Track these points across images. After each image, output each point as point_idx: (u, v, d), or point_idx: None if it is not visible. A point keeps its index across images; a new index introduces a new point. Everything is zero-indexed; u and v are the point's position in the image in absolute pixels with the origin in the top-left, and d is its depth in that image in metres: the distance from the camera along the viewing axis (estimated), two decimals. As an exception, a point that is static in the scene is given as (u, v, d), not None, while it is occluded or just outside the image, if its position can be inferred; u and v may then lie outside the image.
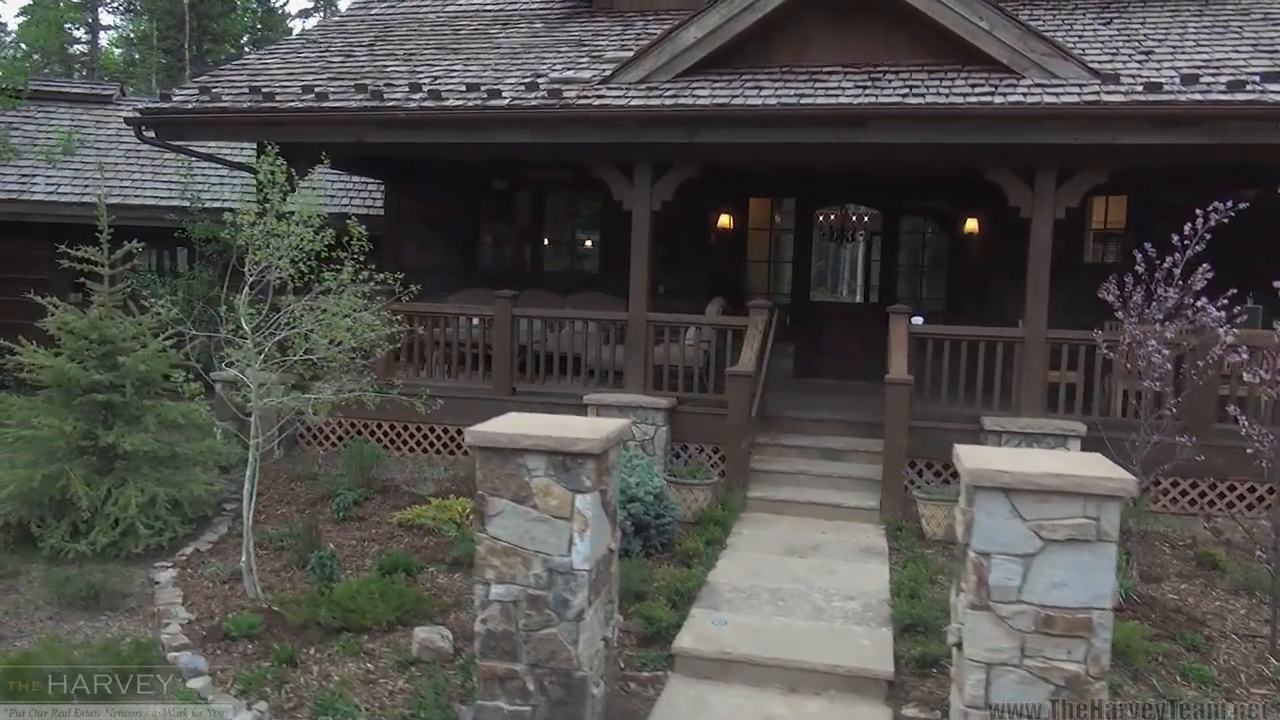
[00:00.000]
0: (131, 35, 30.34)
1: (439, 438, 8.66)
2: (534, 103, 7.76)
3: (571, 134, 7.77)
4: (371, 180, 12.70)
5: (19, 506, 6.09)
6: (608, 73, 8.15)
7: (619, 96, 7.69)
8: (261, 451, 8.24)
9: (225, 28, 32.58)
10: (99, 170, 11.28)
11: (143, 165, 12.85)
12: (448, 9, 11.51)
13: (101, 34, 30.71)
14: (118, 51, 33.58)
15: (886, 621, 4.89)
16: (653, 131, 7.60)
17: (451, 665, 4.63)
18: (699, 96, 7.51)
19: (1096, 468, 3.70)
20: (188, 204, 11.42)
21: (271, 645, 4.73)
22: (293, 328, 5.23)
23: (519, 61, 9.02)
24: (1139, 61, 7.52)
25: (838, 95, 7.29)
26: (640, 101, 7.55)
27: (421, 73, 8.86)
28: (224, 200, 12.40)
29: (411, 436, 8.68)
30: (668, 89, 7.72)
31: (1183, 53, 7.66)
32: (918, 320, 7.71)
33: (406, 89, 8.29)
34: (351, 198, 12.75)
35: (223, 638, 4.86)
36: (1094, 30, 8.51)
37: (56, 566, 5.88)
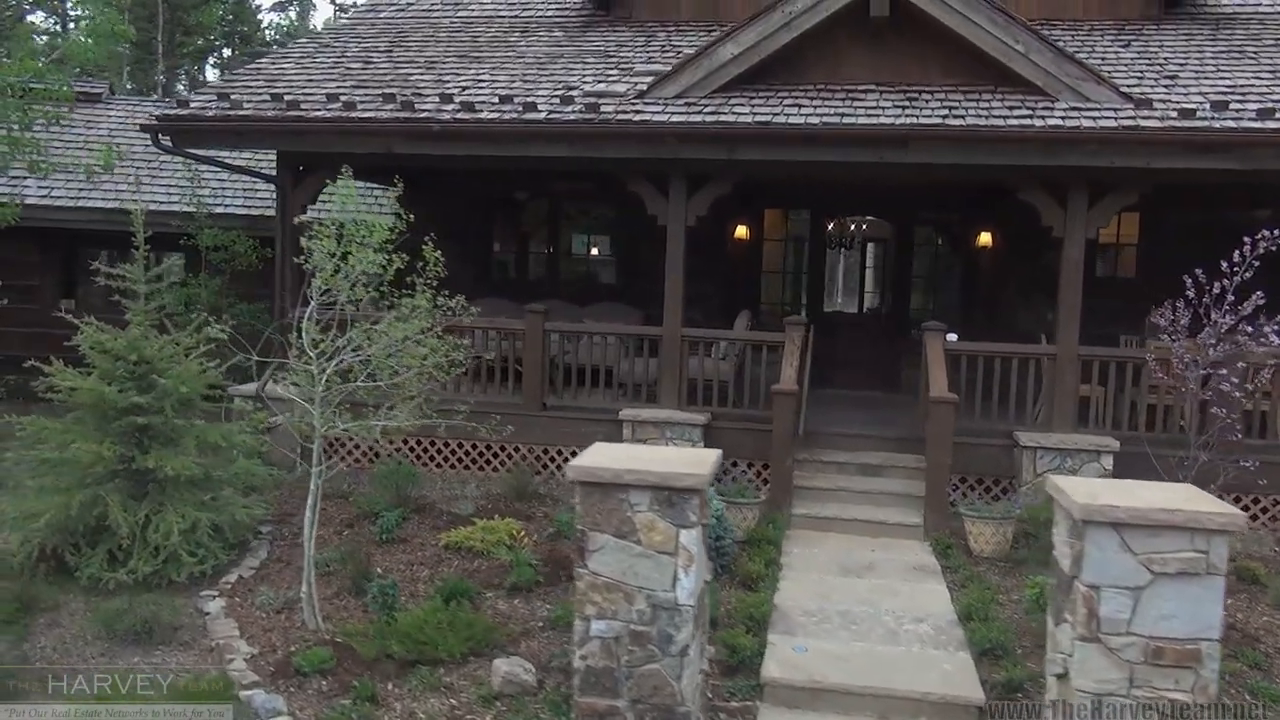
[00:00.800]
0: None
1: (467, 453, 8.56)
2: (572, 117, 7.70)
3: (610, 149, 7.73)
4: (376, 186, 12.49)
5: (52, 534, 5.89)
6: (642, 87, 8.12)
7: (658, 112, 7.66)
8: (298, 473, 8.11)
9: (199, 20, 31.88)
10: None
11: (138, 167, 12.48)
12: (460, 14, 11.36)
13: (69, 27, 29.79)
14: (83, 40, 32.59)
15: (963, 645, 4.95)
16: (692, 148, 7.59)
17: (536, 698, 4.57)
18: (740, 114, 7.51)
19: (1203, 502, 3.78)
20: (193, 210, 11.11)
21: (349, 682, 4.63)
22: (358, 354, 5.11)
23: (546, 72, 8.94)
24: (1166, 86, 7.69)
25: (878, 115, 7.35)
26: (681, 118, 7.54)
27: (449, 82, 8.74)
28: (226, 205, 12.15)
29: (440, 452, 8.57)
30: (706, 105, 7.72)
31: (1206, 78, 7.85)
32: (952, 337, 7.80)
33: (437, 100, 8.18)
34: (357, 204, 12.50)
35: (294, 673, 4.74)
36: (1115, 53, 8.68)
37: (95, 597, 5.70)
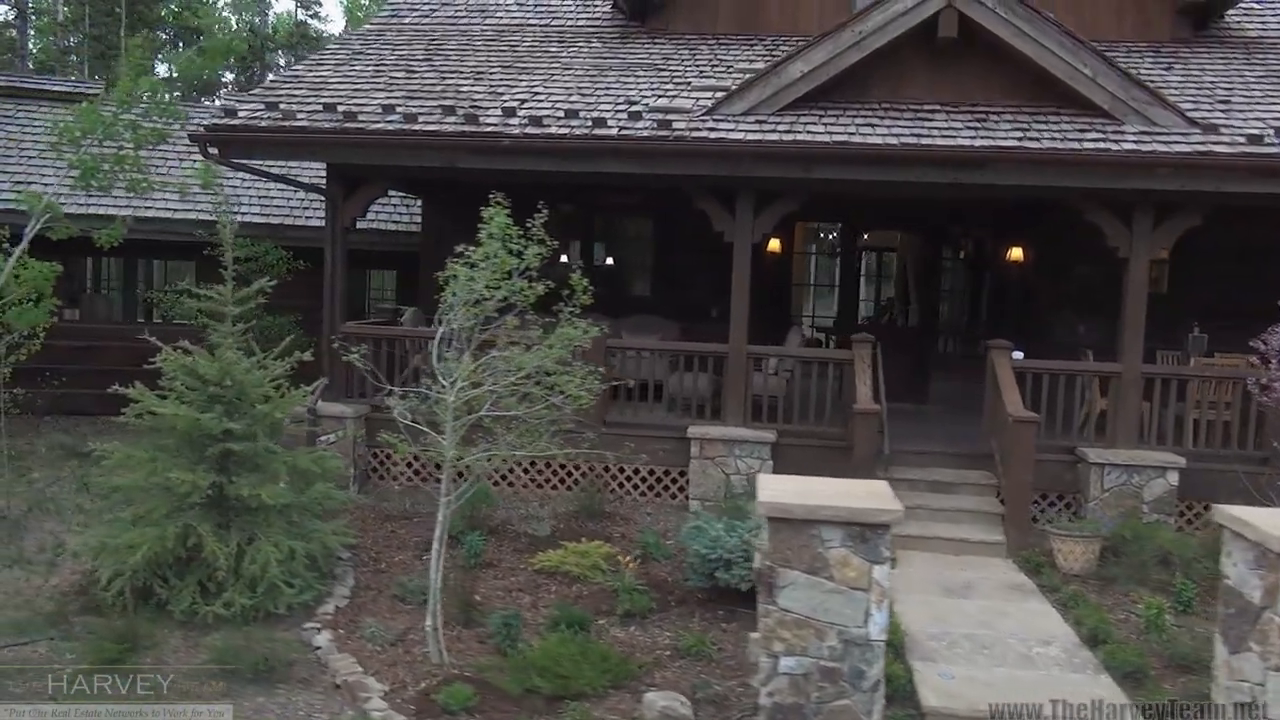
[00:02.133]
0: (63, 21, 28.38)
1: (525, 470, 8.40)
2: (645, 134, 7.63)
3: (682, 166, 7.70)
4: (404, 196, 12.24)
5: (145, 566, 5.60)
6: (706, 102, 8.09)
7: (731, 130, 7.63)
8: (351, 493, 7.87)
9: (156, 15, 30.92)
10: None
11: (145, 172, 11.96)
12: (489, 22, 11.18)
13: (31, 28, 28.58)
14: (33, 35, 31.24)
15: (1099, 668, 5.02)
16: (767, 166, 7.59)
17: (697, 734, 4.50)
18: (815, 133, 7.53)
19: (1384, 532, 3.90)
20: (213, 219, 10.68)
21: (503, 720, 4.50)
22: (494, 387, 4.96)
23: (601, 85, 8.84)
24: (1223, 111, 7.94)
25: (953, 137, 7.44)
26: (757, 136, 7.52)
27: (504, 94, 8.57)
28: (243, 214, 11.75)
29: (499, 469, 8.34)
30: (778, 123, 7.71)
31: (1258, 104, 8.13)
32: (1018, 355, 7.93)
33: (499, 113, 8.02)
34: (376, 211, 12.22)
35: (440, 712, 4.59)
36: (1161, 76, 8.93)
37: (192, 631, 5.46)
